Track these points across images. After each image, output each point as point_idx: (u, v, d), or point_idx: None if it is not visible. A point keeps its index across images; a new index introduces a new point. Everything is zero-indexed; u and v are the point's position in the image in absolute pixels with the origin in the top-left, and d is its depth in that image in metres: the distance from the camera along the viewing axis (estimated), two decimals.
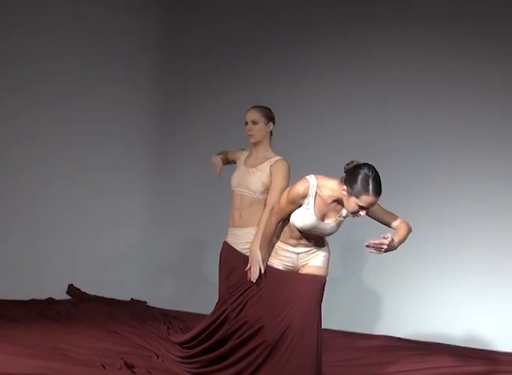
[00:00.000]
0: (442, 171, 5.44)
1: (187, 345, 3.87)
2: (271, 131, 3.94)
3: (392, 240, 3.12)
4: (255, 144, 3.94)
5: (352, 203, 3.14)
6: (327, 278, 3.48)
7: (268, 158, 3.88)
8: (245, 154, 4.03)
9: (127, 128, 6.39)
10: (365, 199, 3.10)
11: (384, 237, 3.10)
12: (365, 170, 3.13)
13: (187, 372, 3.78)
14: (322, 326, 3.46)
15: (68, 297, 5.76)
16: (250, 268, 3.59)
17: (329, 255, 3.49)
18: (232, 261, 3.83)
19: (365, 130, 5.57)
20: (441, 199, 5.43)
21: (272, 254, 3.47)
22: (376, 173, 3.14)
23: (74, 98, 5.89)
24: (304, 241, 3.40)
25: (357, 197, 3.10)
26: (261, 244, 3.52)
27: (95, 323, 5.00)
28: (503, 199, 5.26)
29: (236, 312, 3.57)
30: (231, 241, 3.93)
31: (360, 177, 3.10)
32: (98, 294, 5.89)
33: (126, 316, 5.42)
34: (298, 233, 3.37)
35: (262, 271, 3.51)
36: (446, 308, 5.35)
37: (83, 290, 5.85)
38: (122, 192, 6.37)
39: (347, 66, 5.84)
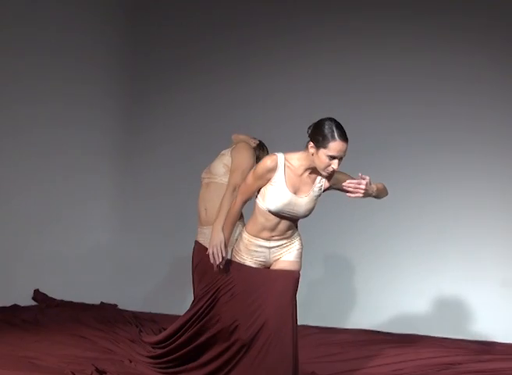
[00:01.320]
0: (430, 167, 5.52)
1: (160, 345, 3.83)
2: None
3: (370, 183, 3.18)
4: None
5: (322, 156, 3.17)
6: (301, 272, 3.45)
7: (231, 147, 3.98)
8: None
9: (91, 127, 6.35)
10: (333, 146, 3.14)
11: (362, 177, 3.16)
12: (327, 121, 3.20)
13: (160, 373, 3.75)
14: (298, 323, 3.44)
15: (34, 303, 5.70)
16: (211, 251, 3.46)
17: (302, 248, 3.47)
18: (204, 261, 3.76)
19: (362, 126, 5.55)
20: (424, 194, 5.52)
21: (243, 250, 3.43)
22: (338, 122, 3.20)
23: (34, 99, 5.83)
24: (277, 233, 3.37)
25: (326, 147, 3.15)
26: (224, 225, 3.46)
27: (63, 329, 4.94)
28: (485, 194, 5.37)
29: (208, 309, 3.54)
30: (201, 240, 3.91)
31: (323, 127, 3.17)
32: (66, 299, 5.84)
33: (96, 320, 5.37)
34: (273, 222, 3.33)
35: (224, 254, 3.42)
36: (423, 300, 5.41)
37: (49, 295, 5.80)
38: (88, 192, 6.33)
39: (333, 59, 5.89)
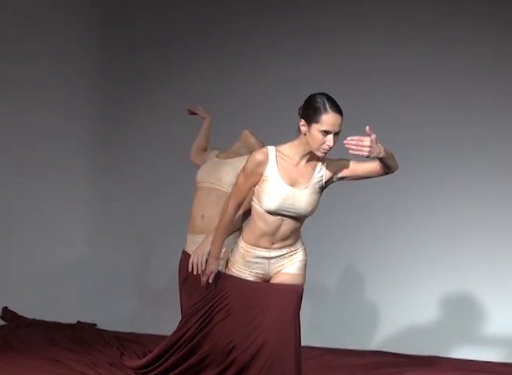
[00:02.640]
0: (444, 176, 5.48)
1: (144, 371, 3.65)
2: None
3: (377, 141, 3.03)
4: None
5: (314, 133, 3.08)
6: (305, 287, 3.33)
7: (242, 155, 3.78)
8: (216, 152, 3.95)
9: (65, 122, 6.26)
10: (326, 119, 3.06)
11: (367, 133, 3.00)
12: (318, 94, 3.13)
13: None
14: (303, 343, 3.32)
15: (2, 322, 5.59)
16: (191, 260, 3.45)
17: (306, 259, 3.34)
18: (194, 275, 3.60)
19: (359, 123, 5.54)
20: (433, 204, 5.49)
21: (239, 261, 3.30)
22: (331, 96, 3.13)
23: (6, 101, 5.76)
24: (278, 238, 3.23)
25: (317, 121, 3.07)
26: (215, 235, 3.34)
27: (36, 352, 4.84)
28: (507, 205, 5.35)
29: (200, 328, 3.40)
30: (191, 250, 3.70)
31: (314, 101, 3.10)
32: (38, 318, 5.75)
33: (72, 341, 5.27)
34: (273, 225, 3.19)
35: (203, 267, 3.39)
36: (440, 316, 5.36)
37: (19, 313, 5.70)
38: (62, 197, 6.23)
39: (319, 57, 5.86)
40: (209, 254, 3.36)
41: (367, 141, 2.98)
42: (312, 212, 3.21)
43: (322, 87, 5.52)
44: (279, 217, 3.17)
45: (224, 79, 6.11)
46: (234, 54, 6.11)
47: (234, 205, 3.27)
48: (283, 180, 3.14)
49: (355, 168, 3.21)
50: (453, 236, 5.40)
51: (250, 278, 3.27)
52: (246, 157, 3.68)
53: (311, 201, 3.17)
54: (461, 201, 5.42)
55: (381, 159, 3.09)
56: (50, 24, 6.11)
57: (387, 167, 3.16)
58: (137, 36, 6.49)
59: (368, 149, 2.98)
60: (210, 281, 3.30)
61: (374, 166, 3.18)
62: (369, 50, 5.68)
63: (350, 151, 3.00)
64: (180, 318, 3.63)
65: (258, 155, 3.16)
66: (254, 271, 3.27)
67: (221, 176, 3.72)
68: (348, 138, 2.99)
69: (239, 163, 3.67)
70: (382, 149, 3.05)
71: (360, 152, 2.99)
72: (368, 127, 2.99)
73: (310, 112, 3.08)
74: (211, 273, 3.31)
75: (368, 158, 3.02)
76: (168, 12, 6.38)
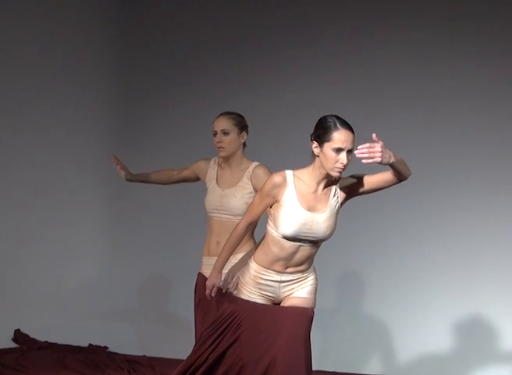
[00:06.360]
0: (459, 192, 5.50)
1: None
2: (244, 142, 3.86)
3: (385, 147, 3.06)
4: (227, 158, 3.84)
5: (327, 152, 3.16)
6: (315, 309, 3.36)
7: (243, 170, 3.79)
8: (212, 168, 3.93)
9: (80, 142, 6.32)
10: (337, 136, 3.14)
11: (374, 139, 3.05)
12: (327, 116, 3.22)
13: None
14: (314, 368, 3.33)
15: (14, 345, 5.64)
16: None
17: (317, 283, 3.37)
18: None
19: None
20: (445, 219, 5.49)
21: (250, 282, 3.34)
22: (339, 116, 3.23)
23: (16, 106, 5.79)
24: (293, 264, 3.28)
25: (329, 139, 3.15)
26: (222, 250, 3.39)
27: None
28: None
29: (214, 352, 3.40)
30: (207, 272, 3.76)
31: (325, 121, 3.20)
32: (50, 341, 5.78)
33: (84, 364, 5.28)
34: (289, 251, 3.24)
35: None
36: (458, 339, 5.31)
37: (31, 336, 5.73)
38: (75, 219, 6.27)
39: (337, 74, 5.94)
40: (214, 266, 3.41)
41: (378, 146, 3.02)
42: (331, 235, 3.25)
43: (331, 108, 5.61)
44: (295, 243, 3.22)
45: (239, 99, 6.05)
46: (249, 76, 6.19)
47: (246, 223, 3.33)
48: (301, 205, 3.19)
49: (368, 181, 3.25)
50: (473, 254, 5.38)
51: (261, 300, 3.31)
52: (246, 177, 3.75)
53: (329, 225, 3.22)
54: (476, 220, 5.43)
55: (393, 165, 3.12)
56: (66, 44, 6.19)
57: (399, 173, 3.18)
58: (153, 56, 6.54)
59: (380, 154, 3.03)
60: (213, 295, 3.36)
61: (386, 174, 3.22)
62: (373, 73, 5.76)
63: (364, 161, 3.04)
64: (193, 339, 3.72)
65: (276, 177, 3.23)
66: (264, 293, 3.31)
67: (231, 210, 3.73)
68: (359, 147, 3.03)
69: (245, 192, 3.74)
70: (392, 155, 3.09)
71: (373, 159, 3.03)
72: (374, 134, 3.04)
73: (321, 132, 3.17)
74: (213, 286, 3.37)
75: (380, 164, 3.05)
76: (183, 33, 6.45)
